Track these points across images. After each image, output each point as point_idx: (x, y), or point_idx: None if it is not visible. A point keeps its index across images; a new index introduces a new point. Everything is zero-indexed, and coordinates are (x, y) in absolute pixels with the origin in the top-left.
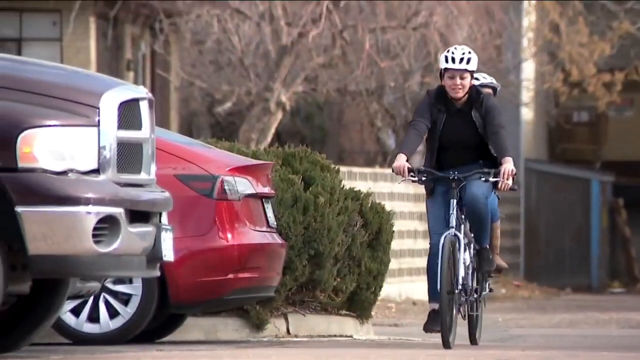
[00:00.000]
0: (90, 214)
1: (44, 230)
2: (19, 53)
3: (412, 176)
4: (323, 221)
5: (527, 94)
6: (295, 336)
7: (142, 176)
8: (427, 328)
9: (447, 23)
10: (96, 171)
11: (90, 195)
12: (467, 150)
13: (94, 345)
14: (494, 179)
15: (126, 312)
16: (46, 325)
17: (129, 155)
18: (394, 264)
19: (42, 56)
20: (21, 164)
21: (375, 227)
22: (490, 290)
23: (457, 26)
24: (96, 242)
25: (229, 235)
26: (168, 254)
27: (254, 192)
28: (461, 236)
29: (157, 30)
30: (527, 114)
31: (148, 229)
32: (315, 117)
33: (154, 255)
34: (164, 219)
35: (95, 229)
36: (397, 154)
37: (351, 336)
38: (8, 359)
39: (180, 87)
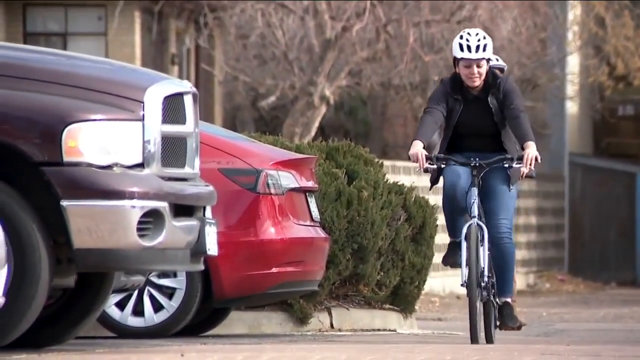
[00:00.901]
0: (134, 208)
1: (88, 224)
2: (65, 48)
3: (430, 164)
4: (367, 215)
5: (571, 88)
6: (339, 330)
7: (186, 170)
8: (447, 260)
9: (492, 17)
10: (141, 165)
11: (134, 189)
12: (486, 138)
13: (139, 339)
14: (518, 165)
15: (170, 305)
16: (91, 319)
17: (173, 150)
18: (437, 258)
19: (87, 51)
20: (66, 158)
21: (419, 221)
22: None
23: (501, 20)
24: (140, 236)
25: (273, 230)
26: (212, 248)
27: (297, 186)
28: (484, 227)
29: (201, 24)
30: (571, 107)
31: (192, 223)
32: (359, 111)
33: (198, 249)
34: (208, 213)
35: (139, 222)
36: (413, 140)
37: (395, 330)
38: (54, 352)
39: (224, 81)
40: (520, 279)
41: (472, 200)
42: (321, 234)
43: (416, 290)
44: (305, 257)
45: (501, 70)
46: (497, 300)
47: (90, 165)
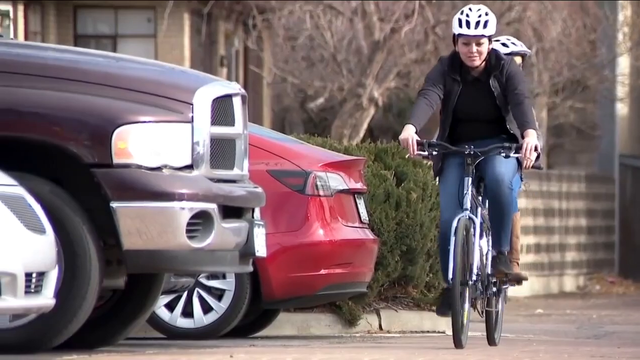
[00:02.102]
0: (184, 210)
1: (138, 225)
2: (114, 50)
3: (420, 150)
4: (415, 217)
5: (622, 89)
6: (388, 332)
7: (235, 172)
8: (441, 312)
9: (541, 18)
10: (190, 167)
11: (184, 190)
12: (485, 123)
13: (188, 340)
14: (515, 155)
15: (220, 307)
16: (141, 320)
17: (222, 151)
18: None
19: (137, 52)
20: (116, 159)
21: None
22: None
23: (550, 21)
24: (190, 238)
25: (321, 231)
26: (261, 249)
27: (346, 187)
28: (477, 220)
29: (250, 26)
30: (622, 109)
31: (241, 224)
32: (408, 113)
33: (246, 250)
34: (257, 214)
35: (189, 224)
36: (405, 125)
37: (444, 332)
38: (104, 353)
39: (272, 83)
40: (570, 281)
41: (465, 192)
42: (370, 235)
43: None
44: (354, 258)
45: (523, 56)
46: (492, 250)
47: (140, 166)
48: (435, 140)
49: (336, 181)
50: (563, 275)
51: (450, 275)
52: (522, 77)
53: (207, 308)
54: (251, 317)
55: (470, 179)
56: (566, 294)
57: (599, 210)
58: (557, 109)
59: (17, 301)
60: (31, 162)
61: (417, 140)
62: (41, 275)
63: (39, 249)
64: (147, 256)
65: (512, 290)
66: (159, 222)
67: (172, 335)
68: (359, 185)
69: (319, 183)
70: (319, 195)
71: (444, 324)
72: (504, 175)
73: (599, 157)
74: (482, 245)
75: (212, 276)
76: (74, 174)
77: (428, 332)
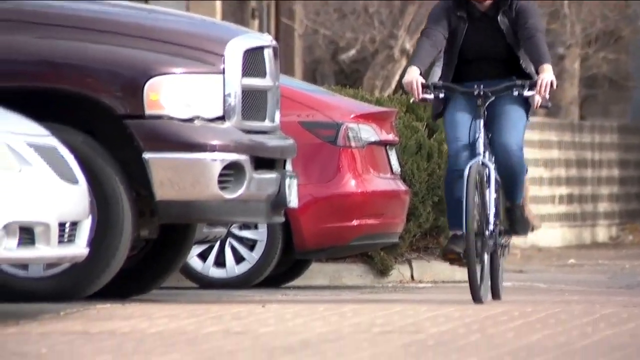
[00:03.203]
0: (215, 161)
1: (170, 176)
2: (146, 3)
3: (426, 93)
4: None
5: None
6: (420, 282)
7: (267, 123)
8: (448, 249)
9: None
10: (221, 118)
11: (215, 142)
12: (494, 63)
13: (220, 290)
14: (529, 93)
15: (252, 257)
16: (174, 269)
17: (253, 103)
18: None
19: (169, 5)
20: (148, 111)
21: None
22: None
23: None
24: (222, 188)
25: (353, 182)
26: (292, 200)
27: (377, 139)
28: (491, 166)
29: None
30: None
31: (272, 175)
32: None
33: (278, 201)
34: (288, 165)
35: (221, 175)
36: (408, 67)
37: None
38: (137, 302)
39: (304, 34)
40: (603, 232)
41: (477, 135)
42: (401, 186)
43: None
44: (385, 209)
45: None
46: (506, 202)
47: (172, 118)
48: (441, 82)
49: (368, 132)
50: (595, 225)
51: (464, 227)
52: (534, 10)
53: (239, 258)
54: (283, 267)
55: (481, 121)
56: (599, 245)
57: (632, 161)
58: (590, 60)
59: (51, 250)
60: (64, 114)
61: (422, 83)
62: (74, 225)
63: (72, 199)
64: (179, 207)
65: (545, 241)
66: (191, 173)
67: (205, 284)
68: (390, 137)
69: (350, 134)
70: (351, 147)
71: None
72: (514, 143)
73: (631, 108)
74: (495, 194)
75: (244, 226)
76: (106, 126)
77: (459, 282)
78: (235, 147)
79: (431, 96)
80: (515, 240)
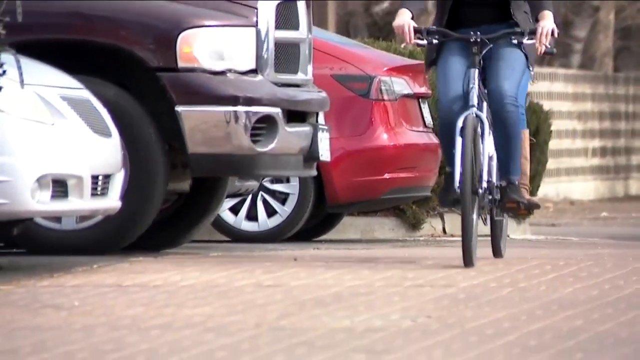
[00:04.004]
0: (248, 114)
1: (202, 129)
2: None
3: (419, 38)
4: None
5: None
6: (451, 236)
7: (299, 76)
8: (444, 199)
9: None
10: (254, 71)
11: (248, 95)
12: (492, 7)
13: (252, 243)
14: (529, 41)
15: (283, 210)
16: (206, 223)
17: (286, 56)
18: (551, 164)
19: None
20: (181, 63)
21: (533, 126)
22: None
23: None
24: (254, 142)
25: (385, 135)
26: (325, 153)
27: (410, 92)
28: (485, 118)
29: None
30: None
31: (305, 129)
32: None
33: (310, 155)
34: (321, 119)
35: (253, 128)
36: (399, 9)
37: (508, 236)
38: (169, 255)
39: None
40: (636, 185)
41: (471, 86)
42: (434, 139)
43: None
44: (418, 163)
45: None
46: (500, 180)
47: (205, 71)
48: (434, 27)
49: (400, 85)
50: (628, 178)
51: (457, 184)
52: None
53: (271, 212)
54: (315, 221)
55: (476, 70)
56: (631, 198)
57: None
58: (625, 11)
59: (84, 203)
60: (97, 66)
61: (414, 27)
62: (107, 177)
63: (104, 152)
64: (211, 160)
65: (577, 194)
66: (224, 126)
67: (236, 238)
68: (423, 90)
69: (383, 87)
70: (383, 100)
71: (508, 227)
72: (508, 91)
73: None
74: (489, 148)
75: (276, 180)
76: (139, 78)
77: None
78: (268, 100)
79: (424, 42)
80: (548, 193)
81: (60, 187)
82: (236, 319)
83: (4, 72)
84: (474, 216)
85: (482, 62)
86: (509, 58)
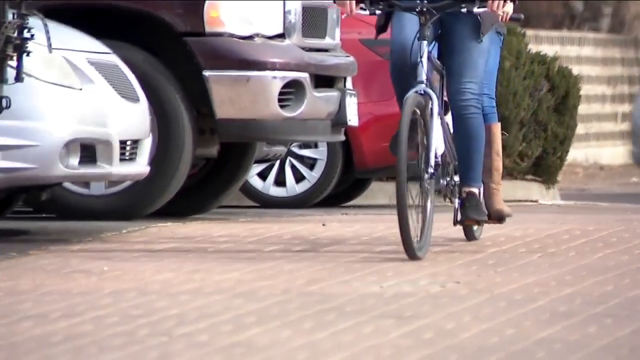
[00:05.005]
0: (276, 79)
1: (230, 94)
2: None
3: (361, 9)
4: (509, 85)
5: None
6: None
7: (327, 41)
8: (393, 147)
9: None
10: (282, 36)
11: (276, 59)
12: None
13: (280, 209)
14: (480, 10)
15: (312, 176)
16: (234, 188)
17: (313, 20)
18: (581, 129)
19: None
20: (208, 28)
21: (562, 91)
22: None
23: None
24: (282, 107)
25: None
26: (352, 118)
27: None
28: (434, 95)
29: None
30: None
31: (333, 93)
32: None
33: (338, 120)
34: (349, 83)
35: (281, 93)
36: None
37: (537, 201)
38: (198, 221)
39: None
40: None
41: (418, 59)
42: None
43: (559, 161)
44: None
45: None
46: (461, 188)
47: (232, 35)
48: None
49: None
50: None
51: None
52: None
53: (299, 177)
54: (343, 186)
55: (425, 42)
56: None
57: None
58: None
59: (112, 168)
60: (125, 31)
61: None
62: (135, 143)
63: (133, 117)
64: (239, 125)
65: (607, 159)
66: (251, 91)
67: (265, 203)
68: None
69: None
70: None
71: (537, 193)
72: (470, 91)
73: None
74: (448, 122)
75: (304, 145)
76: (167, 43)
77: (521, 201)
78: (296, 65)
79: (366, 12)
80: (578, 158)
81: (88, 152)
82: (265, 285)
83: (32, 36)
84: (427, 202)
85: (437, 32)
86: (465, 48)
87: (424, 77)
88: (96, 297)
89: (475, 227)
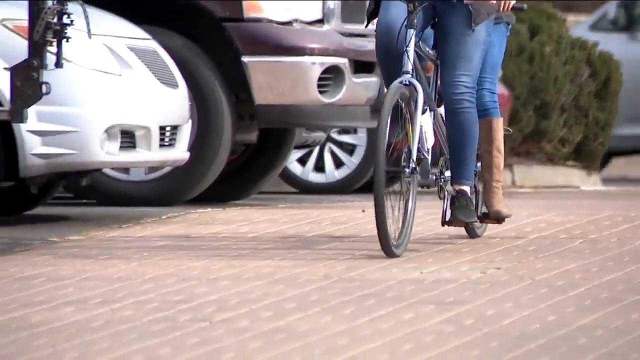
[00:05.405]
0: (315, 64)
1: (269, 80)
2: None
3: None
4: (549, 71)
5: None
6: (521, 187)
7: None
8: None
9: None
10: (320, 21)
11: (315, 45)
12: None
13: (320, 195)
14: None
15: (351, 162)
16: (273, 174)
17: (352, 6)
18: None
19: None
20: (247, 14)
21: (603, 76)
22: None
23: None
24: (321, 92)
25: None
26: None
27: None
28: (419, 86)
29: None
30: None
31: (372, 79)
32: None
33: (377, 105)
34: None
35: (320, 79)
36: None
37: (578, 187)
38: (237, 207)
39: None
40: None
41: (405, 48)
42: (502, 90)
43: (600, 146)
44: None
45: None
46: (450, 185)
47: (271, 21)
48: None
49: None
50: None
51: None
52: None
53: (338, 163)
54: None
55: (412, 31)
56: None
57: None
58: None
59: (152, 154)
60: (164, 17)
61: None
62: (175, 129)
63: (172, 103)
64: (278, 111)
65: None
66: (290, 76)
67: (304, 189)
68: None
69: None
70: None
71: (578, 179)
72: (463, 84)
73: None
74: (441, 114)
75: (344, 131)
76: (206, 29)
77: (562, 187)
78: (335, 50)
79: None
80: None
81: (128, 138)
82: (305, 271)
83: (72, 22)
84: (410, 198)
85: (432, 20)
86: (458, 38)
87: (409, 68)
88: (136, 282)
89: (478, 225)
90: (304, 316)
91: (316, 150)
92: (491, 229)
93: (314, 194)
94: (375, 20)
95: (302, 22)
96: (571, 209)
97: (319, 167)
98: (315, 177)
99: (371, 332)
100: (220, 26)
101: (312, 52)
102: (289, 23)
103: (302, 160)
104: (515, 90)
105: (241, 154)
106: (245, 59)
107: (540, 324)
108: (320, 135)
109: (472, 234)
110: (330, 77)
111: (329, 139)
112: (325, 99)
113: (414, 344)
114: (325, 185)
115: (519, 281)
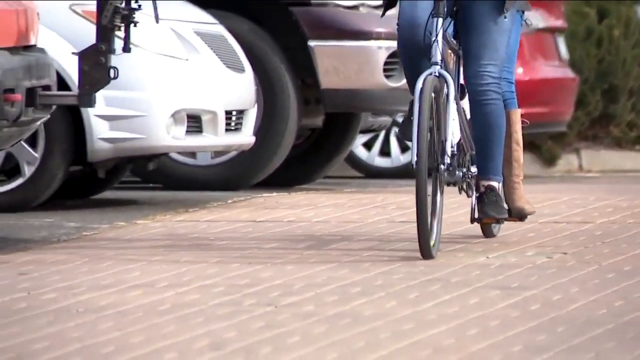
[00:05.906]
0: (381, 49)
1: (335, 64)
2: None
3: None
4: (618, 54)
5: None
6: (588, 171)
7: None
8: (403, 131)
9: None
10: None
11: (381, 29)
12: None
13: (385, 179)
14: None
15: None
16: (339, 158)
17: None
18: None
19: None
20: None
21: None
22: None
23: None
24: (387, 77)
25: (521, 70)
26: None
27: (546, 25)
28: (449, 78)
29: None
30: None
31: None
32: None
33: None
34: None
35: (386, 63)
36: None
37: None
38: (303, 191)
39: None
40: None
41: (434, 38)
42: (570, 74)
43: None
44: (553, 97)
45: None
46: (479, 181)
47: (338, 5)
48: None
49: (536, 19)
50: None
51: (414, 157)
52: None
53: (404, 147)
54: None
55: (439, 20)
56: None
57: None
58: None
59: (218, 138)
60: (231, 1)
61: None
62: (241, 113)
63: (238, 88)
64: (344, 95)
65: None
66: (357, 61)
67: (370, 174)
68: (559, 23)
69: (520, 21)
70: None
71: None
72: (490, 75)
73: None
74: (464, 108)
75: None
76: (272, 13)
77: (629, 171)
78: None
79: None
80: None
81: (194, 123)
82: (370, 255)
83: (139, 6)
84: (437, 197)
85: (454, 9)
86: (484, 26)
87: (438, 58)
88: (202, 266)
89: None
90: (368, 300)
91: (382, 134)
92: (555, 214)
93: (379, 179)
94: (388, 12)
95: (368, 6)
96: (639, 194)
97: (385, 151)
98: (380, 162)
99: (436, 316)
100: (287, 10)
101: (378, 37)
102: (355, 7)
103: (368, 145)
104: (583, 74)
105: (307, 139)
106: (312, 43)
107: (607, 310)
108: (386, 119)
109: (487, 233)
110: (396, 61)
111: (395, 123)
112: (391, 83)
113: (479, 328)
114: (391, 170)
115: (585, 266)
